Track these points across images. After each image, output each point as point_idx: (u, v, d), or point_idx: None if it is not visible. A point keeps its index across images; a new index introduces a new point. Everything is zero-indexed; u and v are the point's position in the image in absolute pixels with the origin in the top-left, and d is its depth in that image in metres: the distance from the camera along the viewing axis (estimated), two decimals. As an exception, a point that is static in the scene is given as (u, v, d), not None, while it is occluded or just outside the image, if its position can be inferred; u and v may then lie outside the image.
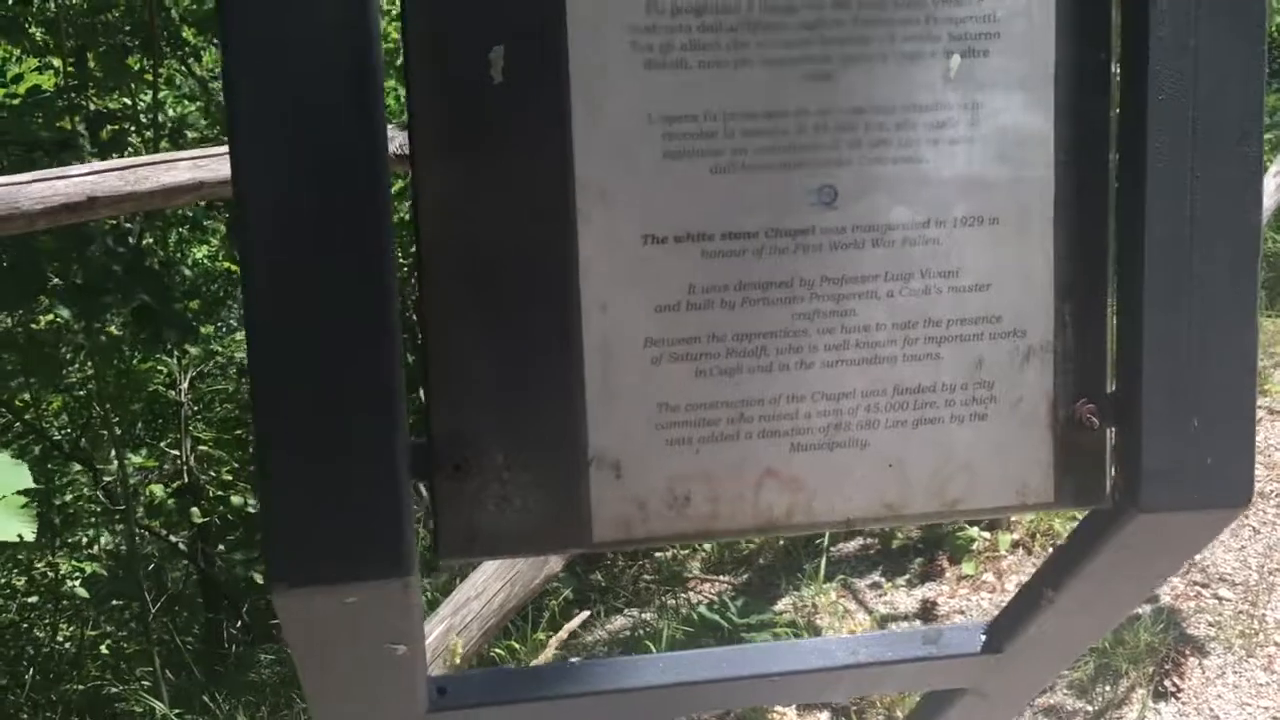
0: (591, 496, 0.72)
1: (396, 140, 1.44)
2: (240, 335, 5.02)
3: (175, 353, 3.64)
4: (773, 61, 0.71)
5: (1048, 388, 0.77)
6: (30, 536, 1.96)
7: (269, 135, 0.63)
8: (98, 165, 1.56)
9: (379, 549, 0.67)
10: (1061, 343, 0.76)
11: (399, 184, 3.10)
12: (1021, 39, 0.73)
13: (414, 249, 0.70)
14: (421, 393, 0.71)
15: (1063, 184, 0.75)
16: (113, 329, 4.04)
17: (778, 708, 2.79)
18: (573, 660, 2.73)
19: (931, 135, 0.73)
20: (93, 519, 4.40)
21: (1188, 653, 2.80)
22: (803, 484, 0.75)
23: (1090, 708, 2.68)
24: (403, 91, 0.71)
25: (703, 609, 2.98)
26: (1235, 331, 0.75)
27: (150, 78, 3.94)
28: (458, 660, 2.23)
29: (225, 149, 1.83)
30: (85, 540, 4.57)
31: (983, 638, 0.95)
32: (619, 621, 3.38)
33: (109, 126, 3.81)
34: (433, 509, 0.71)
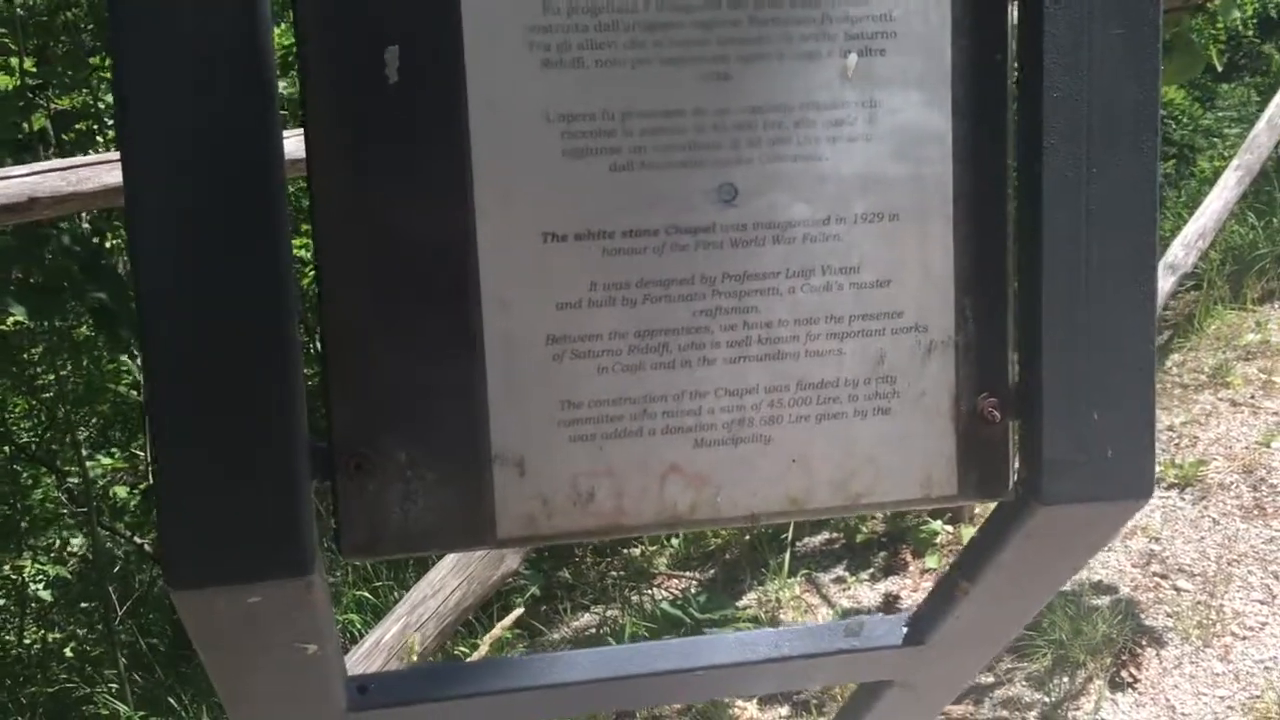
0: (495, 494, 0.73)
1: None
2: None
3: (138, 355, 3.62)
4: (670, 61, 0.71)
5: (950, 382, 0.78)
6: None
7: (163, 134, 0.63)
8: (38, 166, 1.55)
9: (279, 549, 0.67)
10: (963, 337, 0.77)
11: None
12: (918, 38, 0.74)
13: (314, 252, 0.70)
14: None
15: (961, 180, 0.76)
16: (84, 329, 4.02)
17: (739, 702, 2.80)
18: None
19: (830, 133, 0.74)
20: (57, 522, 4.37)
21: (1145, 644, 2.83)
22: (707, 479, 0.75)
23: (1047, 699, 2.70)
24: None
25: (665, 605, 2.98)
26: (1134, 325, 0.76)
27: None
28: (414, 658, 2.23)
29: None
30: (53, 544, 4.55)
31: (904, 630, 0.96)
32: (585, 618, 3.39)
33: (75, 127, 3.78)
34: (334, 509, 0.71)
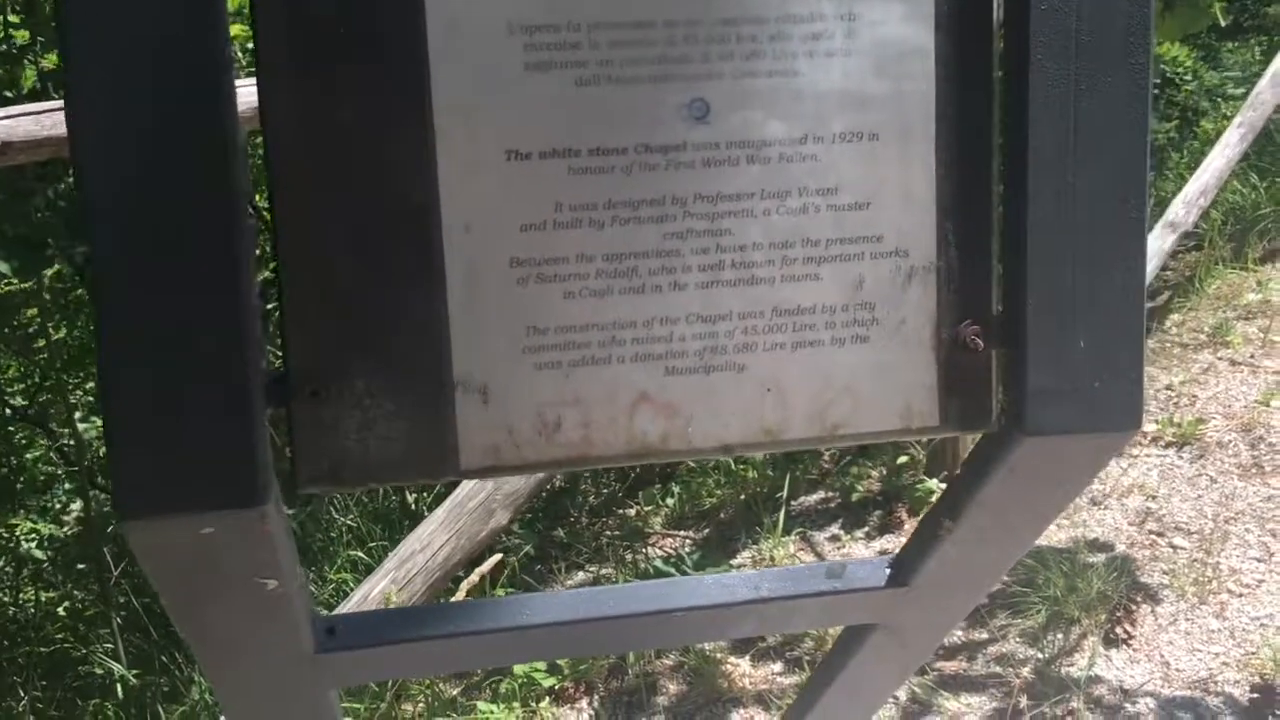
0: (458, 423, 0.70)
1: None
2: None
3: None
4: (638, -31, 0.68)
5: (931, 309, 0.75)
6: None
7: (109, 65, 0.60)
8: (11, 110, 1.51)
9: (232, 478, 0.65)
10: (945, 262, 0.75)
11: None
12: (900, -54, 0.71)
13: (266, 175, 0.67)
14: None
15: (944, 99, 0.73)
16: (79, 291, 3.98)
17: (732, 658, 2.80)
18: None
19: (807, 48, 0.71)
20: (53, 484, 4.36)
21: (1141, 600, 2.82)
22: (678, 409, 0.73)
23: (1041, 655, 2.69)
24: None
25: (658, 562, 2.97)
26: (1123, 251, 0.73)
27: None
28: (404, 614, 2.22)
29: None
30: (49, 505, 4.53)
31: (888, 571, 0.94)
32: (579, 576, 3.38)
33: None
34: (290, 437, 0.69)
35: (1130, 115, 0.72)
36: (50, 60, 3.93)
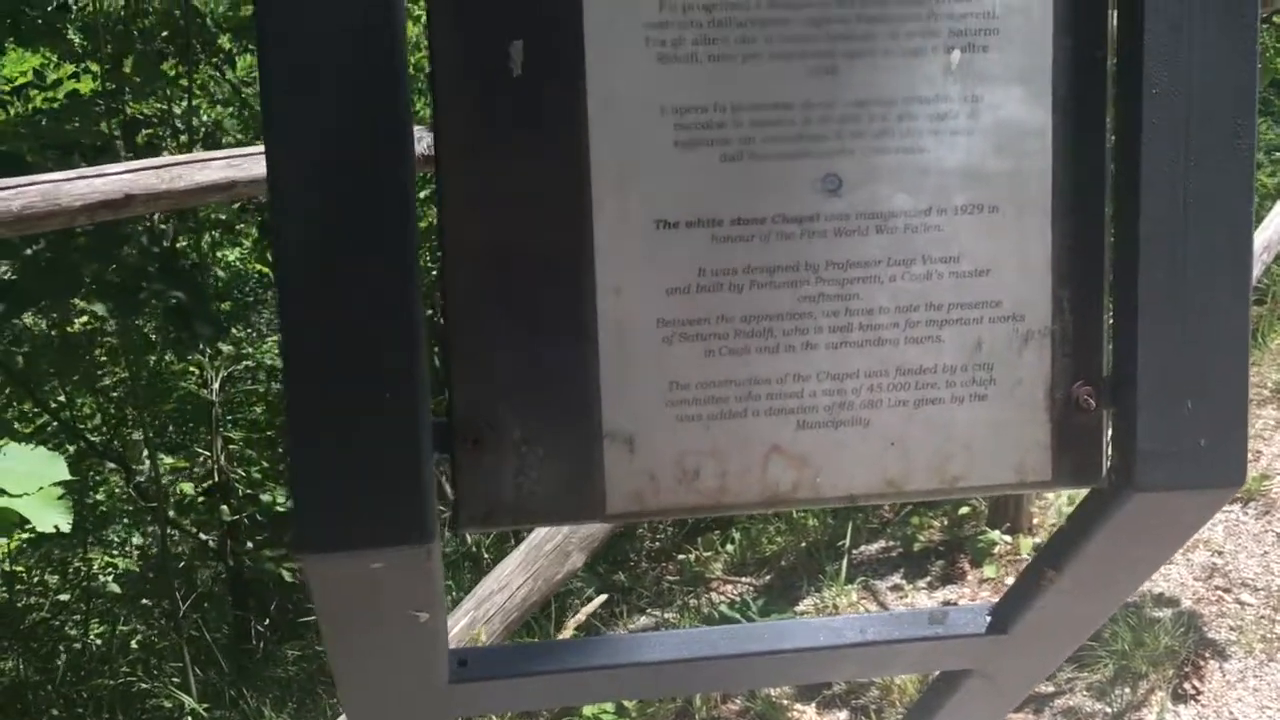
0: (605, 470, 0.76)
1: (424, 141, 1.48)
2: (271, 340, 5.09)
3: (208, 352, 3.71)
4: (779, 55, 0.74)
5: (1045, 370, 0.79)
6: (66, 528, 2.01)
7: (302, 135, 0.67)
8: (134, 164, 1.61)
9: (403, 517, 0.71)
10: (1059, 327, 0.79)
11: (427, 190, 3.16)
12: (1020, 35, 0.76)
13: (439, 239, 0.74)
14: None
15: (1060, 174, 0.78)
16: (148, 331, 4.11)
17: (798, 705, 2.81)
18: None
19: (933, 126, 0.76)
20: (125, 518, 4.47)
21: (1208, 656, 2.80)
22: (808, 460, 0.78)
23: (1109, 709, 2.69)
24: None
25: (723, 608, 3.01)
26: (1228, 317, 0.78)
27: (185, 83, 4.01)
28: (481, 653, 2.27)
29: (257, 149, 1.89)
30: (118, 539, 4.64)
31: (988, 619, 0.98)
32: (641, 620, 3.42)
33: (144, 131, 3.89)
34: (453, 481, 0.74)
35: (1237, 186, 0.77)
36: (135, 108, 4.08)
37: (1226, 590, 3.09)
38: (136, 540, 4.64)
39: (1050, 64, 0.77)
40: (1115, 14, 0.77)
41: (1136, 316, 0.77)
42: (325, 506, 0.70)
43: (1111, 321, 0.79)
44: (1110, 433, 0.80)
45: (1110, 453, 0.81)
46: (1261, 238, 4.23)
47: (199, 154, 1.76)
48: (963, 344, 0.79)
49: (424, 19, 0.74)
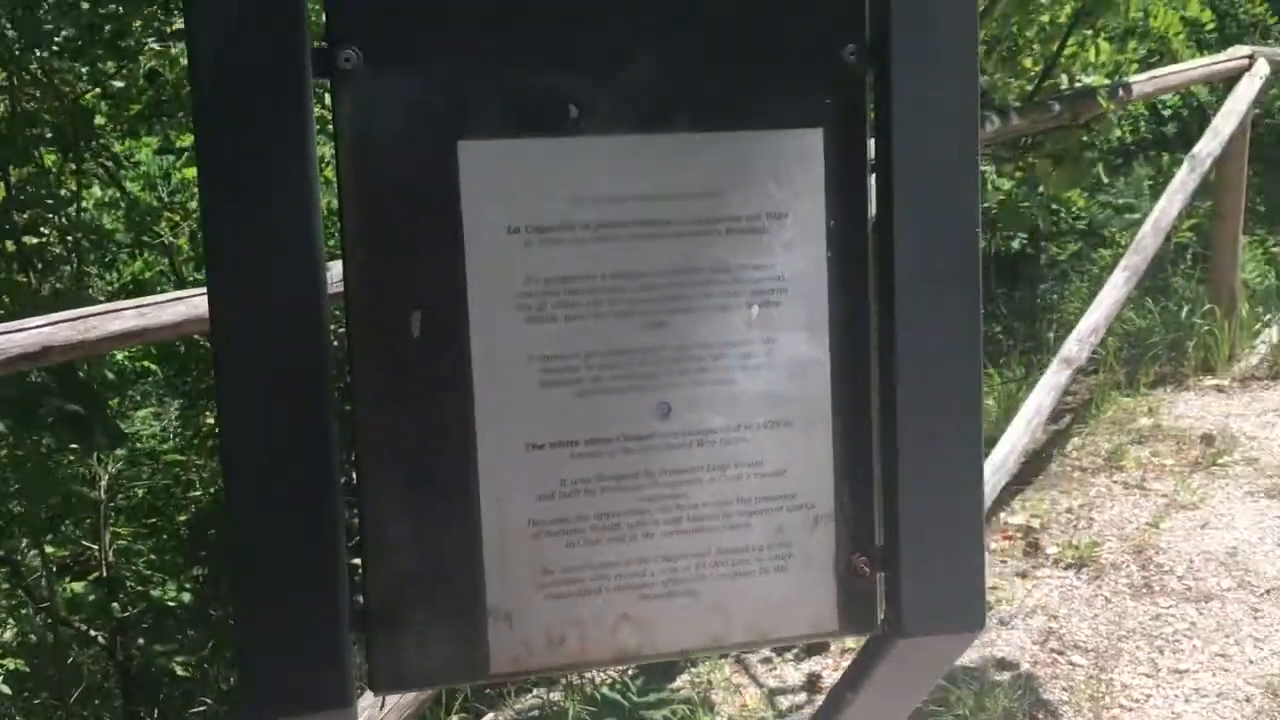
0: (490, 641, 0.96)
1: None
2: (158, 426, 5.14)
3: (104, 459, 3.78)
4: (620, 315, 0.97)
5: (831, 545, 1.03)
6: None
7: (250, 367, 0.87)
8: (54, 316, 1.76)
9: (327, 686, 0.90)
10: (841, 511, 1.03)
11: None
12: (804, 292, 1.00)
13: (355, 463, 0.94)
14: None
15: (837, 396, 1.01)
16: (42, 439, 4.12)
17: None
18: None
19: (740, 363, 0.99)
20: (12, 619, 4.45)
21: (1042, 716, 3.09)
22: (650, 625, 1.00)
23: (955, 770, 2.94)
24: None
25: (605, 689, 3.20)
26: (965, 499, 1.02)
27: (75, 187, 4.10)
28: (376, 748, 2.42)
29: (165, 297, 2.05)
30: (4, 640, 4.60)
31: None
32: (529, 700, 3.57)
33: (31, 239, 3.95)
34: (368, 655, 0.94)
35: (966, 433, 1.01)
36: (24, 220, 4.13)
37: (1060, 652, 3.40)
38: (19, 636, 4.61)
39: (827, 314, 1.01)
40: (874, 275, 1.01)
41: (897, 502, 1.01)
42: (265, 678, 0.89)
43: (880, 505, 1.03)
44: (883, 591, 1.04)
45: (883, 606, 1.04)
46: (1090, 320, 4.65)
47: (112, 304, 1.91)
48: (767, 528, 1.01)
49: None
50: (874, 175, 1.02)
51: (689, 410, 0.99)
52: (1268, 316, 5.92)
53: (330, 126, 0.91)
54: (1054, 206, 5.68)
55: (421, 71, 0.91)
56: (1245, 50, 5.44)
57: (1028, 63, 4.83)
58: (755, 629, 1.02)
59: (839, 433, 1.02)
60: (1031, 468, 4.71)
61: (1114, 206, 6.89)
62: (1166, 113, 6.96)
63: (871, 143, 1.01)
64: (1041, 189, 4.60)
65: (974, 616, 1.04)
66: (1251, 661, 3.30)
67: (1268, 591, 3.64)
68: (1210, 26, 5.44)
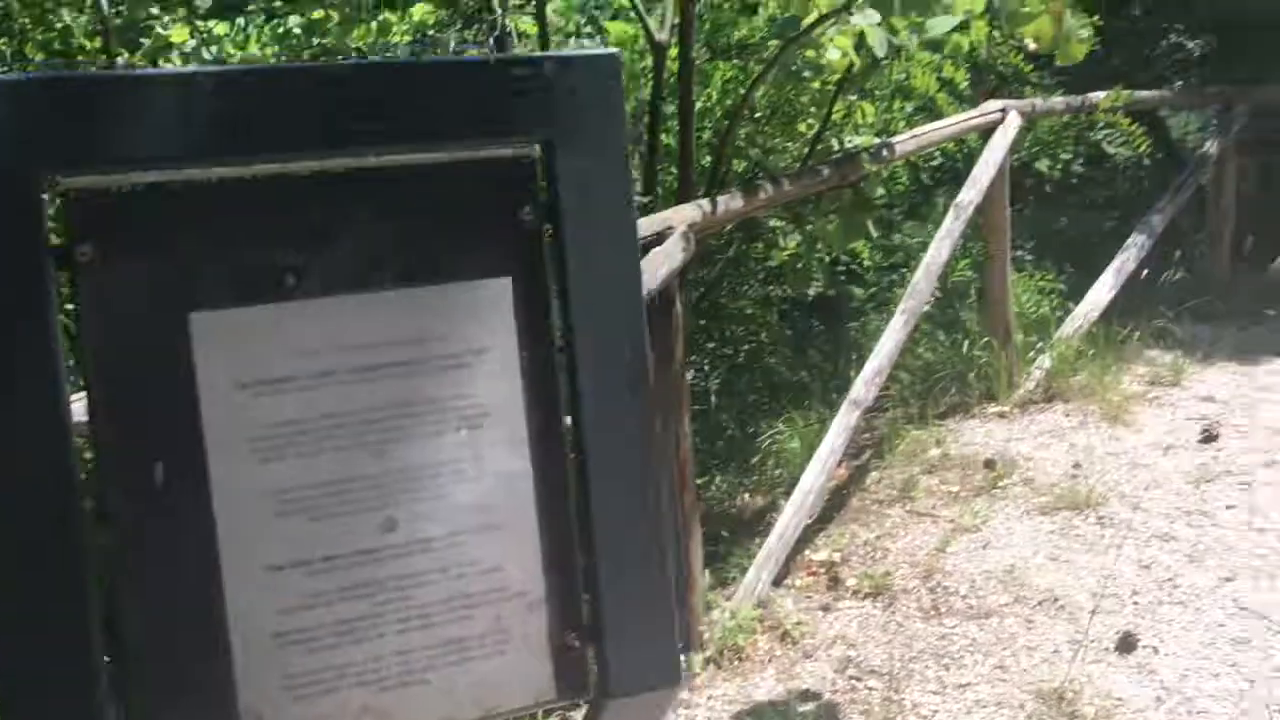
0: (245, 741, 1.10)
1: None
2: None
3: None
4: (343, 448, 1.13)
5: (544, 627, 1.20)
6: None
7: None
8: None
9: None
10: (551, 597, 1.21)
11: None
12: (504, 416, 1.18)
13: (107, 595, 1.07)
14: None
15: (540, 500, 1.20)
16: None
17: None
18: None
19: (454, 479, 1.17)
20: None
21: (841, 741, 3.34)
22: (389, 712, 1.15)
23: (762, 800, 3.16)
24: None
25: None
26: (656, 580, 1.21)
27: None
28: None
29: None
30: None
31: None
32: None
33: None
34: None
35: (648, 513, 1.21)
36: None
37: (858, 679, 3.67)
38: None
39: (526, 431, 1.19)
40: (566, 392, 1.21)
41: (598, 586, 1.19)
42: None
43: (584, 589, 1.21)
44: (593, 661, 1.22)
45: (594, 674, 1.22)
46: (874, 363, 5.01)
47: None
48: (488, 618, 1.18)
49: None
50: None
51: (412, 522, 1.15)
52: (1039, 344, 6.44)
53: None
54: (842, 257, 6.08)
55: (152, 258, 1.06)
56: (997, 105, 5.97)
57: (802, 127, 5.22)
58: (484, 705, 1.19)
59: (544, 531, 1.20)
60: (834, 504, 5.03)
61: (905, 250, 7.39)
62: (934, 163, 7.51)
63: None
64: (820, 246, 4.95)
65: (671, 675, 1.23)
66: (1025, 670, 3.63)
67: (1040, 603, 4.00)
68: (964, 86, 5.92)
